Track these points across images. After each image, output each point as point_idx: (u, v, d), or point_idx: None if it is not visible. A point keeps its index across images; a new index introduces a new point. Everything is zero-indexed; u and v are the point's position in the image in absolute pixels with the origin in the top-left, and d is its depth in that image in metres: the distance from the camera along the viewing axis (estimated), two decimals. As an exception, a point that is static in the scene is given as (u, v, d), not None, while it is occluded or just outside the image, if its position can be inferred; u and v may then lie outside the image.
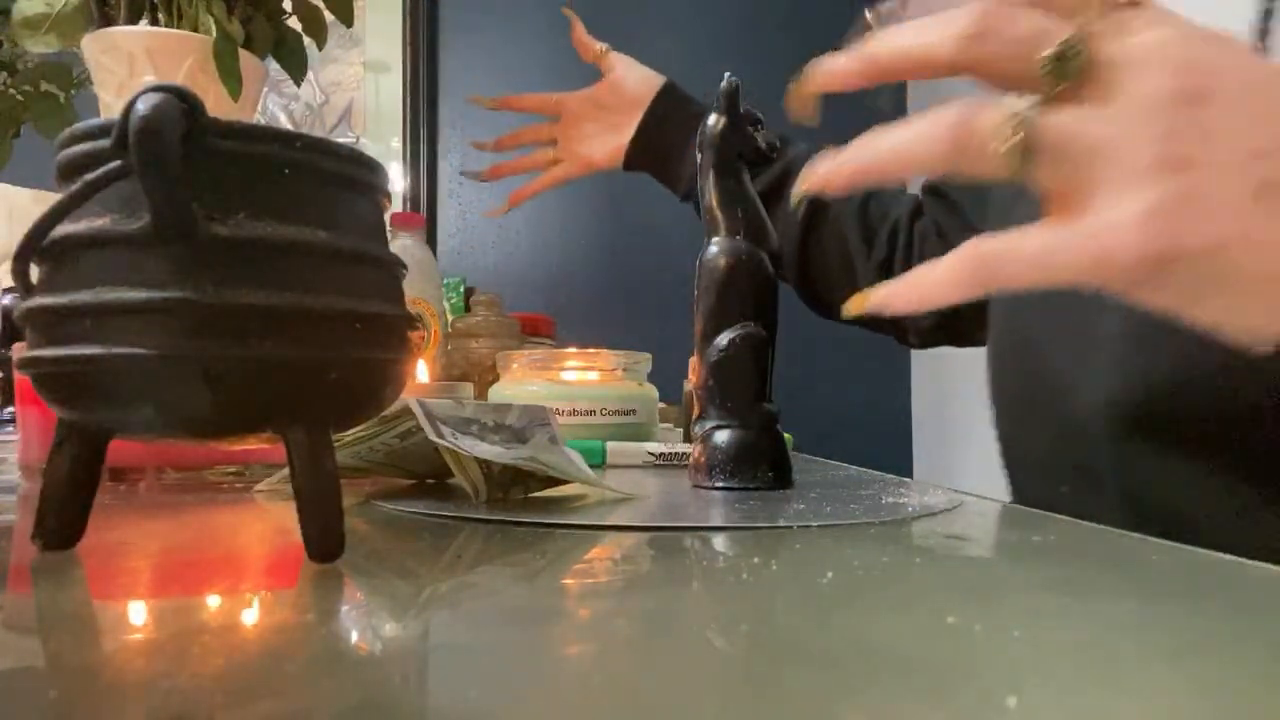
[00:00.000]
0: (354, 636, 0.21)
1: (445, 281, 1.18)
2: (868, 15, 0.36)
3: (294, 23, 0.77)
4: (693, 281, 0.47)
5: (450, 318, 1.03)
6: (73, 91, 0.79)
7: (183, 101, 0.23)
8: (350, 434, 0.40)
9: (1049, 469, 0.50)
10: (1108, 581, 0.26)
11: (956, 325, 0.72)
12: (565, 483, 0.41)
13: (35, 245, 0.25)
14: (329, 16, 0.78)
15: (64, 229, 0.24)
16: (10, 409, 0.71)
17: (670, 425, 0.88)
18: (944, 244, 0.70)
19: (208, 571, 0.27)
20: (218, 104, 0.67)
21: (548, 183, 0.86)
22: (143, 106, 0.23)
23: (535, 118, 0.86)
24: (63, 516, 0.27)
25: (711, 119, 0.48)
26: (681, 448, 0.57)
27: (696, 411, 0.47)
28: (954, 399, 1.80)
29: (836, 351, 1.76)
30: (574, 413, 0.63)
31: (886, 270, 0.73)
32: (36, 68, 0.77)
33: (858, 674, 0.17)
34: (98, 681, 0.17)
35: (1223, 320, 0.30)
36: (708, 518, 0.36)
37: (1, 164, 0.77)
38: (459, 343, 0.95)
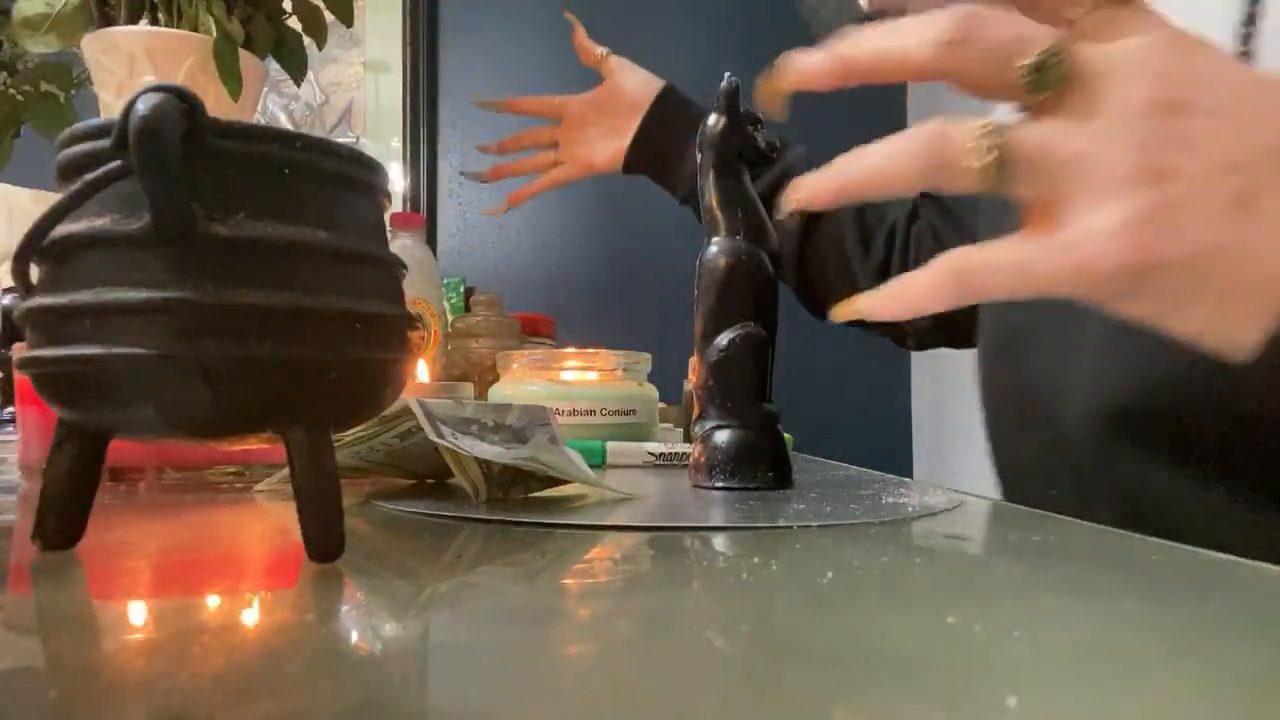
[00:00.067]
0: (354, 636, 0.21)
1: (445, 281, 1.18)
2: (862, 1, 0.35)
3: (294, 23, 0.77)
4: (693, 281, 0.47)
5: (450, 318, 1.03)
6: (73, 91, 0.79)
7: (183, 101, 0.23)
8: (350, 434, 0.40)
9: (1039, 472, 0.50)
10: (1108, 581, 0.26)
11: (953, 327, 0.72)
12: (565, 483, 0.41)
13: (35, 245, 0.25)
14: (329, 16, 0.78)
15: (64, 229, 0.24)
16: (10, 409, 0.71)
17: (670, 425, 0.88)
18: (939, 247, 0.70)
19: (208, 571, 0.27)
20: (218, 104, 0.67)
21: (547, 184, 0.86)
22: (143, 106, 0.23)
23: (536, 120, 0.87)
24: (63, 516, 0.27)
25: (711, 119, 0.48)
26: (681, 448, 0.57)
27: (696, 411, 0.47)
28: (954, 399, 1.80)
29: (836, 351, 1.76)
30: (574, 413, 0.63)
31: (884, 273, 0.73)
32: (36, 68, 0.77)
33: (858, 674, 0.17)
34: (98, 681, 0.17)
35: (1200, 330, 0.30)
36: (708, 518, 0.36)
37: (1, 164, 0.77)
38: (459, 343, 0.95)
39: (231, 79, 0.67)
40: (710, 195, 0.47)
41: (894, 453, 1.95)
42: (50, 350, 0.25)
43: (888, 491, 0.43)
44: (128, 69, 0.66)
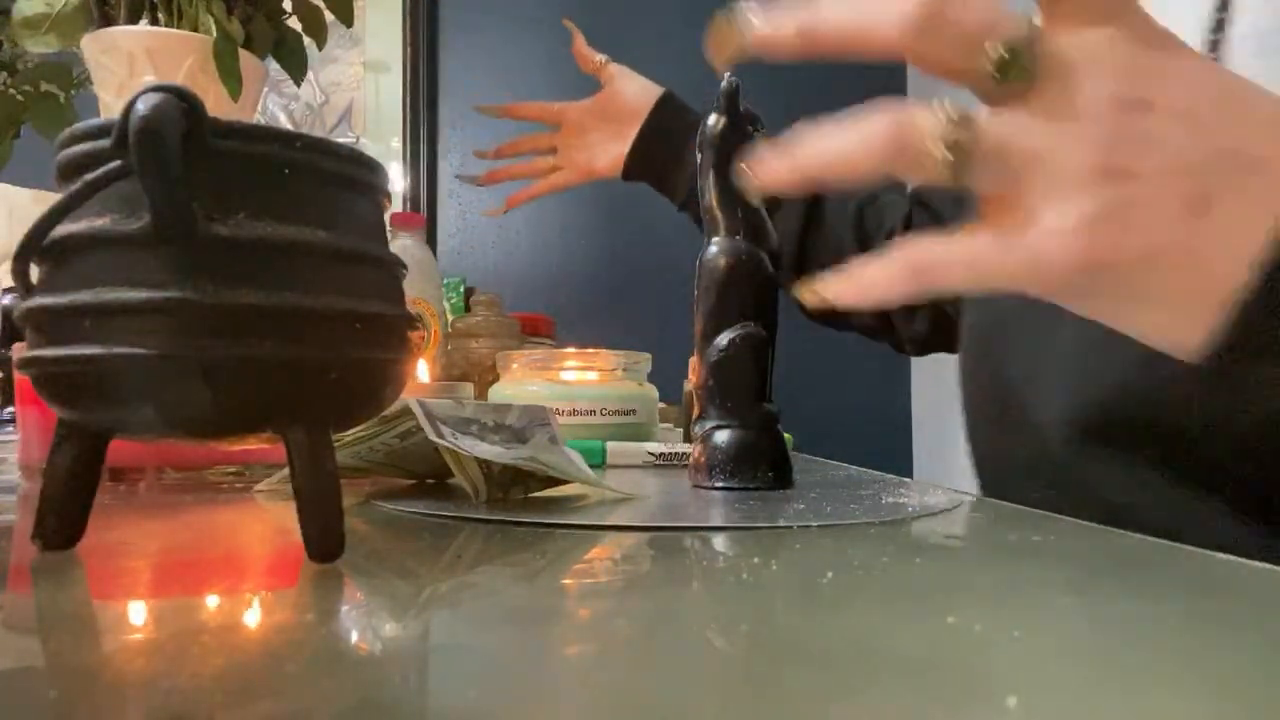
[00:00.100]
0: (354, 636, 0.21)
1: (445, 281, 1.18)
2: None
3: (294, 23, 0.77)
4: (693, 281, 0.47)
5: (450, 318, 1.03)
6: (73, 91, 0.79)
7: (183, 101, 0.23)
8: (350, 434, 0.40)
9: (1020, 477, 0.50)
10: (1107, 581, 0.26)
11: (952, 331, 0.72)
12: (565, 483, 0.41)
13: (35, 245, 0.25)
14: (329, 16, 0.78)
15: (64, 229, 0.24)
16: (10, 409, 0.71)
17: (670, 425, 0.88)
18: None
19: (208, 571, 0.27)
20: (218, 104, 0.67)
21: (546, 189, 0.87)
22: (143, 106, 0.23)
23: (535, 125, 0.87)
24: (63, 516, 0.27)
25: (711, 119, 0.48)
26: (681, 448, 0.57)
27: (696, 411, 0.47)
28: (954, 399, 1.79)
29: (836, 351, 1.76)
30: (574, 413, 0.63)
31: None
32: (36, 68, 0.77)
33: (858, 674, 0.17)
34: (98, 681, 0.17)
35: (1151, 329, 0.30)
36: (708, 518, 0.36)
37: (1, 164, 0.77)
38: (459, 343, 0.95)
39: (231, 79, 0.67)
40: (710, 195, 0.47)
41: (894, 453, 1.95)
42: (50, 350, 0.25)
43: (888, 491, 0.43)
44: (128, 69, 0.66)
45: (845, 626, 0.21)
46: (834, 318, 0.81)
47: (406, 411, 0.38)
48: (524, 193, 0.88)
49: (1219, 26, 0.39)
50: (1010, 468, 0.51)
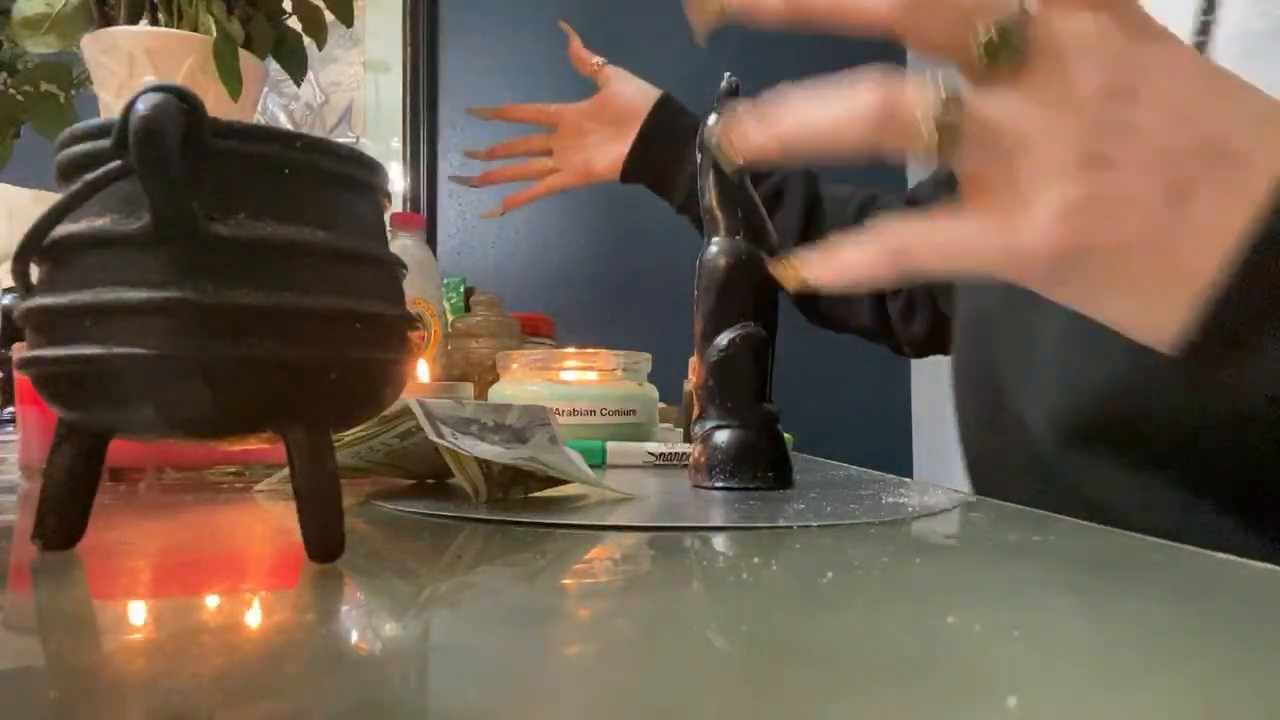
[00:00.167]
0: (354, 636, 0.21)
1: (445, 281, 1.18)
2: None
3: (294, 23, 0.77)
4: (693, 281, 0.47)
5: (450, 318, 1.03)
6: (73, 91, 0.79)
7: (183, 101, 0.23)
8: (350, 434, 0.40)
9: (1011, 477, 0.50)
10: (1108, 581, 0.26)
11: (948, 334, 0.72)
12: (565, 483, 0.41)
13: (35, 245, 0.25)
14: (329, 16, 0.78)
15: (64, 229, 0.24)
16: (10, 409, 0.71)
17: (670, 425, 0.88)
18: None
19: (208, 571, 0.27)
20: (218, 104, 0.67)
21: (543, 191, 0.87)
22: (143, 106, 0.23)
23: (532, 127, 0.87)
24: (63, 516, 0.27)
25: (711, 119, 0.48)
26: (681, 448, 0.57)
27: (696, 411, 0.47)
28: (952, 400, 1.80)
29: (836, 351, 1.76)
30: (574, 413, 0.63)
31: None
32: (36, 68, 0.77)
33: (858, 674, 0.17)
34: (98, 681, 0.17)
35: (1126, 318, 0.30)
36: (708, 518, 0.36)
37: (1, 164, 0.77)
38: (459, 343, 0.95)
39: (231, 79, 0.67)
40: (710, 195, 0.47)
41: (894, 453, 1.95)
42: (50, 350, 0.25)
43: (888, 491, 0.43)
44: (128, 69, 0.66)
45: (845, 626, 0.21)
46: (831, 320, 0.81)
47: (406, 411, 0.38)
48: (522, 194, 0.88)
49: (1204, 29, 0.39)
50: (1002, 468, 0.51)
